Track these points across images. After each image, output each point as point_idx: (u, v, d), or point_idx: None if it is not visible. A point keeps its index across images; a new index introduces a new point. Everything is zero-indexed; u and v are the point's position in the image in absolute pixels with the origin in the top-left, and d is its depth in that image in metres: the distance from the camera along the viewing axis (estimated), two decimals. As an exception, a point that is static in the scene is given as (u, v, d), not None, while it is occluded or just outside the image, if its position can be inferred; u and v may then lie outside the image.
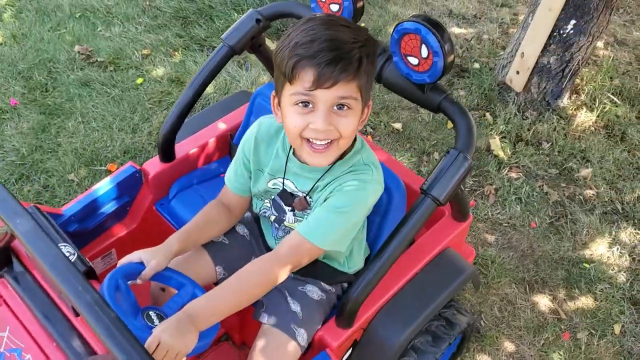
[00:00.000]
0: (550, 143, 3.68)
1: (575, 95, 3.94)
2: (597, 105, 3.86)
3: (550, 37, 3.53)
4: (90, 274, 1.76)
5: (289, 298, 1.97)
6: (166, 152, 2.34)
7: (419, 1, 4.78)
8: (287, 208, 1.89)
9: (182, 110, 2.25)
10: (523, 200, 3.37)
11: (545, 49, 3.59)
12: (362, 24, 4.20)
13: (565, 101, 3.86)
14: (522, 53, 3.66)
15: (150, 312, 1.66)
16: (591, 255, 3.17)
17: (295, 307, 1.95)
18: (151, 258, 1.75)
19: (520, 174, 3.52)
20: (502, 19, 4.63)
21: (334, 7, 2.06)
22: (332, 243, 1.74)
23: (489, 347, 2.80)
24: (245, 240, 2.11)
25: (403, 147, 3.63)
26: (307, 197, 1.84)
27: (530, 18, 3.60)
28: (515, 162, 3.57)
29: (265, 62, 2.45)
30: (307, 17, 1.65)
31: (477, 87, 3.95)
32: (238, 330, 2.33)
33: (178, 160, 2.39)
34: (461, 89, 3.98)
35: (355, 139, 1.79)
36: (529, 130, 3.72)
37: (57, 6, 4.44)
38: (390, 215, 2.07)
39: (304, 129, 1.63)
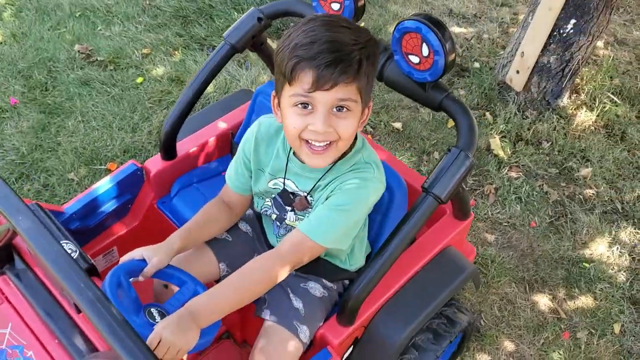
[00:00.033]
0: (550, 142, 3.68)
1: (575, 95, 3.94)
2: (597, 105, 3.86)
3: (550, 36, 3.54)
4: (92, 272, 1.77)
5: (291, 295, 1.98)
6: (168, 150, 2.34)
7: (419, 0, 4.79)
8: (287, 208, 1.90)
9: (183, 108, 2.25)
10: (523, 200, 3.38)
11: (545, 49, 3.60)
12: (362, 24, 4.21)
13: (565, 101, 3.86)
14: (522, 52, 3.67)
15: (152, 309, 1.66)
16: (591, 254, 3.17)
17: (297, 303, 1.96)
18: (153, 255, 1.76)
19: (520, 173, 3.52)
20: (502, 18, 4.64)
21: (335, 6, 2.06)
22: (334, 241, 1.75)
23: (488, 347, 2.80)
24: (248, 237, 2.12)
25: (403, 146, 3.63)
26: (308, 197, 1.84)
27: (530, 17, 3.61)
28: (515, 162, 3.57)
29: (267, 60, 2.46)
30: (308, 17, 1.65)
31: (477, 86, 3.95)
32: (239, 328, 2.33)
33: (180, 159, 2.39)
34: (461, 89, 3.98)
35: (356, 138, 1.79)
36: (529, 129, 3.72)
37: (57, 5, 4.44)
38: (391, 214, 2.07)
39: (303, 130, 1.63)
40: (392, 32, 1.83)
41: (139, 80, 3.87)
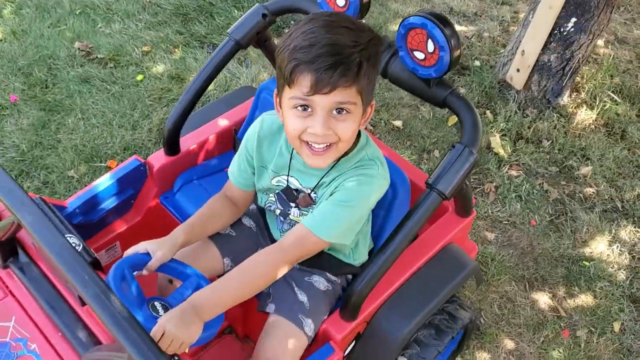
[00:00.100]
0: (550, 141, 3.69)
1: (575, 93, 3.95)
2: (597, 103, 3.87)
3: (550, 35, 3.55)
4: (95, 265, 1.76)
5: (295, 288, 1.98)
6: (171, 145, 2.34)
7: (419, -1, 4.80)
8: (291, 204, 1.90)
9: (187, 103, 2.25)
10: (523, 198, 3.38)
11: (545, 47, 3.60)
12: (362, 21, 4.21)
13: (565, 99, 3.87)
14: (523, 51, 3.67)
15: (156, 303, 1.66)
16: (591, 253, 3.18)
17: (302, 297, 1.96)
18: (157, 249, 1.76)
19: (520, 171, 3.52)
20: (502, 16, 4.64)
21: (341, 2, 2.07)
22: (337, 236, 1.75)
23: (488, 345, 2.80)
24: (251, 232, 2.12)
25: (403, 144, 3.64)
26: (312, 194, 1.85)
27: (530, 16, 3.61)
28: (516, 160, 3.58)
29: (271, 57, 2.45)
30: (309, 17, 1.63)
31: (478, 84, 3.96)
32: (241, 322, 2.33)
33: (183, 154, 2.39)
34: (462, 87, 3.99)
35: (359, 135, 1.80)
36: (529, 128, 3.73)
37: (57, 3, 4.44)
38: (394, 210, 2.07)
39: (302, 132, 1.63)
40: (397, 28, 1.83)
41: (139, 77, 3.87)
